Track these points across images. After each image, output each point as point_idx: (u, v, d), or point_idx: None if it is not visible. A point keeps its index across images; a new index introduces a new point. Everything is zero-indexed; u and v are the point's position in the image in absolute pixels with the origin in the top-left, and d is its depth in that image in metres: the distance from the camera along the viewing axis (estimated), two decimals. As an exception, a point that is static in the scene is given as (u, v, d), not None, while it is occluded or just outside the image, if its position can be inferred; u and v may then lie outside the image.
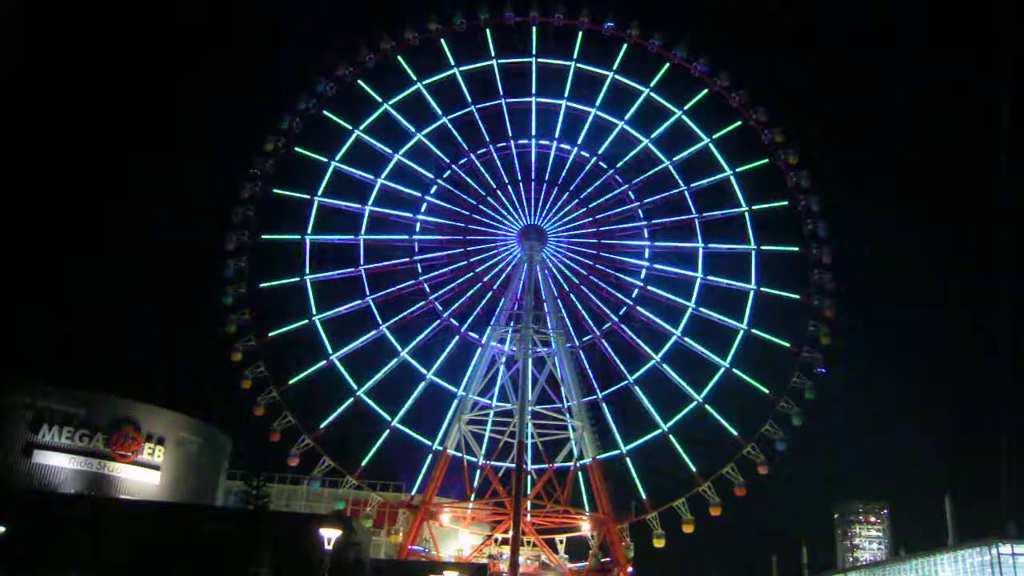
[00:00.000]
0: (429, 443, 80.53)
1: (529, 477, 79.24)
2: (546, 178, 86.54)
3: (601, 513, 79.60)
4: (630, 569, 79.47)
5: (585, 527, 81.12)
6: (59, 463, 65.49)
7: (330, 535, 41.40)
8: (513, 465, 74.43)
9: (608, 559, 79.30)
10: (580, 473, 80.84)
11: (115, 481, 67.52)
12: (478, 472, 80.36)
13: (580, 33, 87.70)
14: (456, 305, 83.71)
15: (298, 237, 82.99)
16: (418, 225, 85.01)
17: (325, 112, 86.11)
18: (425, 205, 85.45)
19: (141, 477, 69.23)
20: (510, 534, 71.01)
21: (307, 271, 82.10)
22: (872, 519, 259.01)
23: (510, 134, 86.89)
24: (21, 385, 65.90)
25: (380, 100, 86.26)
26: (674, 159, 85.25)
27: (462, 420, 79.89)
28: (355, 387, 79.61)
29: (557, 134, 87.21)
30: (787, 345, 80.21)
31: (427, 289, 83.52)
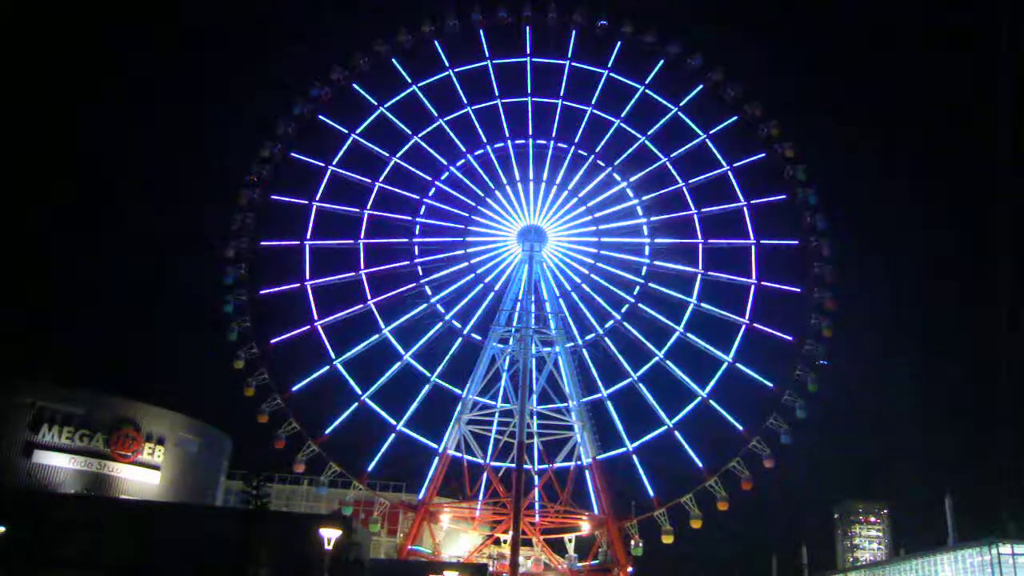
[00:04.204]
0: (435, 446, 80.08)
1: (536, 477, 78.97)
2: (544, 177, 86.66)
3: (602, 512, 79.23)
4: (630, 569, 78.94)
5: (585, 527, 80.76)
6: (59, 463, 64.99)
7: (330, 535, 41.07)
8: (515, 465, 74.03)
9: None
10: (586, 472, 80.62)
11: (115, 481, 67.03)
12: (484, 473, 79.79)
13: (574, 32, 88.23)
14: (458, 307, 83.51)
15: (297, 242, 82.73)
16: (417, 227, 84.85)
17: (321, 116, 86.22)
18: (424, 207, 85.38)
19: (141, 477, 68.73)
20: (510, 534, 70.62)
21: (307, 276, 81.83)
22: (872, 519, 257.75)
23: (507, 134, 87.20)
24: (21, 385, 65.54)
25: (375, 103, 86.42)
26: (671, 155, 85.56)
27: (462, 420, 79.61)
28: (359, 392, 79.09)
29: (554, 133, 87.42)
30: (789, 338, 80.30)
31: (428, 291, 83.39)
